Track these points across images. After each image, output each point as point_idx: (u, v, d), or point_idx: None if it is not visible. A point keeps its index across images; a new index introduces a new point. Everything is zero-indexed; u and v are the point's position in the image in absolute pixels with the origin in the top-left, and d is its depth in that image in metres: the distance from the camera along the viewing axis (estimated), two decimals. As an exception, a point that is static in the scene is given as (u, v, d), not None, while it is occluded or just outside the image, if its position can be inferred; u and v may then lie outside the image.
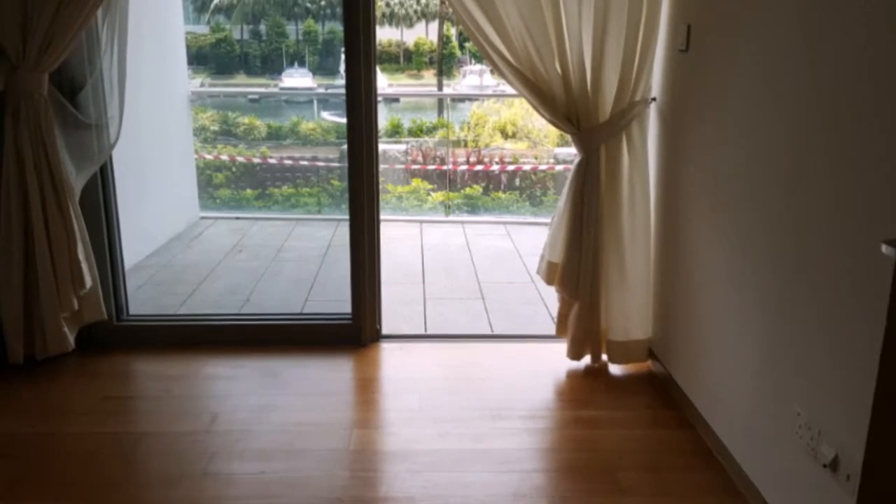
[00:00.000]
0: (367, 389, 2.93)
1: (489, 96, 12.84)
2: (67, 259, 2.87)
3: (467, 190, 7.51)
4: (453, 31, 19.29)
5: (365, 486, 2.27)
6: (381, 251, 3.25)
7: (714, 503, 2.21)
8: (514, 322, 3.70)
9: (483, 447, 2.49)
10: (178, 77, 5.57)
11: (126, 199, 3.31)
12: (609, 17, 2.67)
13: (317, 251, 5.07)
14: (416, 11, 20.18)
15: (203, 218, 5.77)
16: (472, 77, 17.62)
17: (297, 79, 17.24)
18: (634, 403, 2.80)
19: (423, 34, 20.77)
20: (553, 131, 9.28)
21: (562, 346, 3.08)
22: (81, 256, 2.90)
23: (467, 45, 18.74)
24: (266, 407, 2.73)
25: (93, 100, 2.92)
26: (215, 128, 9.11)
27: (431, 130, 10.68)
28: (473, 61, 18.53)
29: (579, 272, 2.92)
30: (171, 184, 5.31)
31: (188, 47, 5.82)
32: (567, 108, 2.80)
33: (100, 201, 3.07)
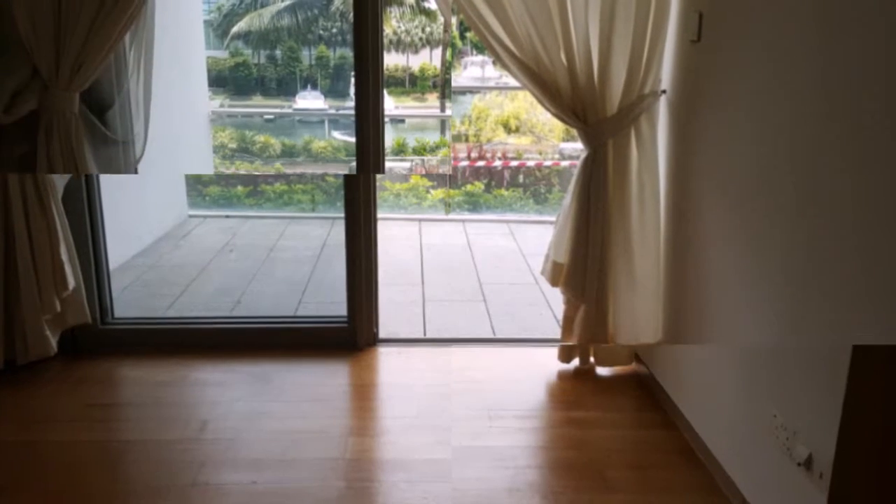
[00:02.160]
0: (363, 396, 2.93)
1: (491, 88, 12.85)
2: (50, 259, 2.88)
3: (468, 187, 7.51)
4: (456, 30, 19.26)
5: (361, 497, 2.27)
6: (378, 251, 3.25)
7: (696, 500, 2.31)
8: (518, 325, 3.70)
9: (479, 444, 2.56)
10: (199, 98, 5.85)
11: (111, 197, 3.32)
12: (617, 4, 2.67)
13: (311, 251, 5.08)
14: (420, 39, 20.40)
15: (192, 216, 5.79)
16: (474, 69, 17.62)
17: (310, 100, 17.53)
18: (622, 405, 2.89)
19: (428, 60, 21.00)
20: (558, 125, 9.28)
21: (553, 350, 3.18)
22: (64, 257, 2.91)
23: (468, 34, 18.75)
24: (258, 414, 2.73)
25: (120, 118, 3.04)
26: (233, 145, 9.34)
27: (434, 149, 10.81)
28: (475, 52, 18.54)
29: (586, 273, 2.92)
30: (158, 182, 5.33)
31: (209, 70, 6.08)
32: (573, 101, 2.80)
33: (83, 199, 3.09)
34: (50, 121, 2.79)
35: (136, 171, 3.20)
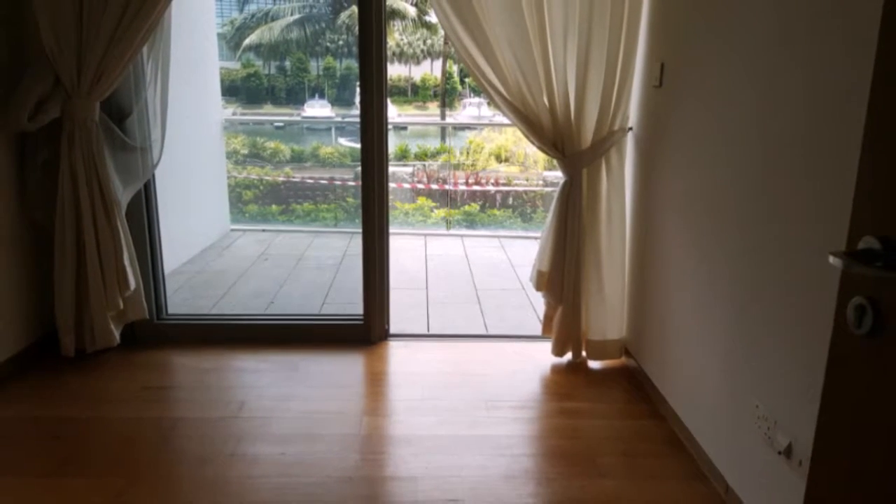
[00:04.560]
0: (376, 382, 2.92)
1: (486, 125, 12.89)
2: (114, 265, 2.88)
3: (466, 207, 7.53)
4: (455, 68, 19.43)
5: (374, 467, 2.27)
6: (389, 260, 3.25)
7: (682, 485, 2.20)
8: (507, 323, 3.69)
9: (478, 433, 2.49)
10: (213, 106, 5.60)
11: (166, 213, 3.32)
12: (591, 56, 2.69)
13: (333, 260, 5.08)
14: (422, 51, 20.32)
15: (233, 230, 5.79)
16: (472, 109, 17.74)
17: (318, 109, 17.32)
18: (611, 396, 2.79)
19: (429, 71, 20.90)
20: (542, 156, 9.30)
21: (547, 345, 3.08)
22: (126, 262, 2.91)
23: (467, 80, 18.86)
24: (287, 396, 2.73)
25: (138, 125, 2.94)
26: (245, 151, 9.15)
27: (435, 155, 10.73)
28: (473, 94, 18.65)
29: (563, 279, 2.93)
30: (205, 199, 5.32)
31: (222, 80, 5.86)
32: (553, 136, 2.81)
33: (143, 214, 3.09)
34: (72, 128, 2.72)
35: (153, 176, 3.05)
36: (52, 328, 2.96)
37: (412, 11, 18.27)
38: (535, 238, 5.57)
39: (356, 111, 3.13)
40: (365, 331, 3.25)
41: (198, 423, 2.52)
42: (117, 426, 2.49)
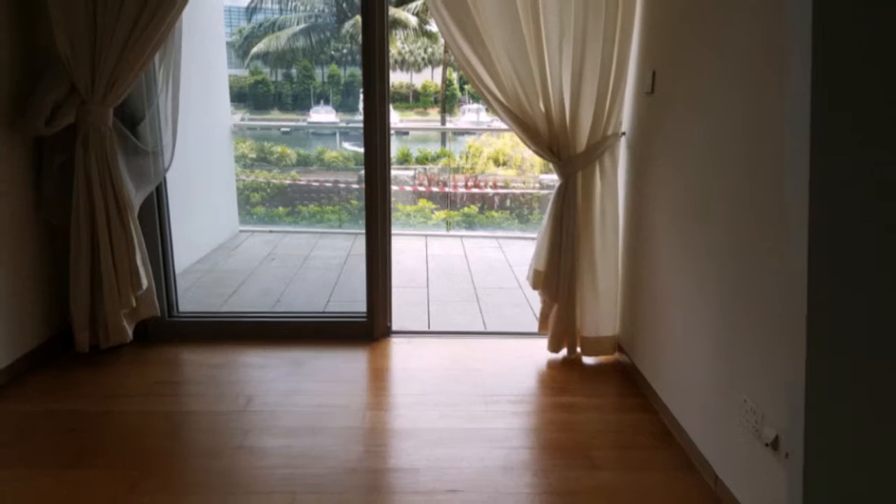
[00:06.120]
0: (378, 377, 2.92)
1: (484, 130, 12.88)
2: (127, 264, 2.88)
3: (465, 209, 7.52)
4: (454, 76, 19.43)
5: (377, 459, 2.27)
6: (391, 260, 3.25)
7: (673, 476, 2.20)
8: (504, 321, 3.69)
9: (477, 426, 2.49)
10: (222, 112, 5.61)
11: (177, 214, 3.32)
12: (585, 63, 2.70)
13: (337, 259, 5.09)
14: (423, 59, 20.31)
15: (241, 231, 5.78)
16: (471, 114, 17.75)
17: (323, 114, 17.33)
18: (605, 391, 2.79)
19: (430, 78, 20.90)
20: (538, 160, 9.30)
21: (544, 341, 3.08)
22: (139, 262, 2.91)
23: (466, 87, 18.87)
24: (293, 391, 2.73)
25: (150, 130, 2.94)
26: (253, 155, 9.15)
27: (435, 159, 10.73)
28: (472, 101, 18.66)
29: (559, 278, 2.93)
30: (215, 201, 5.32)
31: (230, 87, 5.86)
32: (549, 140, 2.82)
33: (155, 216, 3.09)
34: (86, 133, 2.72)
35: (164, 179, 3.05)
36: (67, 325, 2.96)
37: (413, 21, 18.26)
38: (532, 239, 5.56)
39: (360, 117, 3.13)
40: (368, 328, 3.25)
41: (207, 416, 2.52)
42: (130, 420, 2.49)
